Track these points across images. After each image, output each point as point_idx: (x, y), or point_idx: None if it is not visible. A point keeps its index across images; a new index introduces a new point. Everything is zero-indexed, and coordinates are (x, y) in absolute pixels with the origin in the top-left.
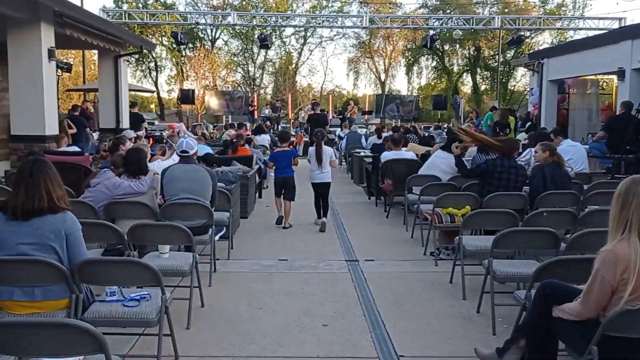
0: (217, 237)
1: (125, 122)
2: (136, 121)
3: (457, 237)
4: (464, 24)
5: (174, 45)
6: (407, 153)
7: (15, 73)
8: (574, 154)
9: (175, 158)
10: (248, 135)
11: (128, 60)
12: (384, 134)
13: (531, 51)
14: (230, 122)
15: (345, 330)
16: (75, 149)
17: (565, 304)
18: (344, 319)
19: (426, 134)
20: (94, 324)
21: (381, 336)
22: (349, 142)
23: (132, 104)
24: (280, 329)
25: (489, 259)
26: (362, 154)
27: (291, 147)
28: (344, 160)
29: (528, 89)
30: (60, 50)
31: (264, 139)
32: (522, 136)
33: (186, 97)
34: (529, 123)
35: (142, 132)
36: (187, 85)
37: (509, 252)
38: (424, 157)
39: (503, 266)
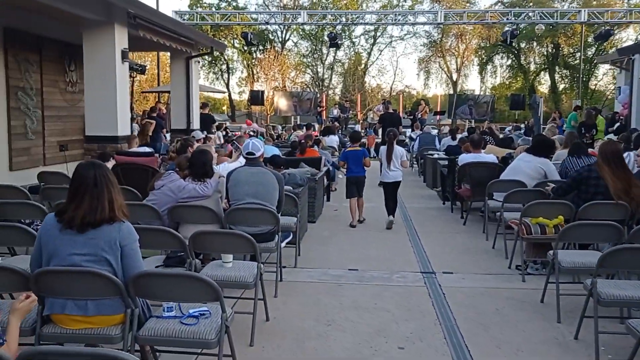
0: (283, 244)
1: (195, 123)
2: (206, 122)
3: (551, 252)
4: (547, 18)
5: (245, 48)
6: (487, 156)
7: (90, 74)
8: None
9: (242, 160)
10: (316, 136)
11: (199, 62)
12: (459, 136)
13: (615, 47)
14: (298, 123)
15: (424, 356)
16: (146, 149)
17: None
18: (422, 341)
19: (501, 136)
20: (150, 342)
21: None
22: (422, 143)
23: (203, 105)
24: (352, 350)
25: (593, 280)
26: (435, 156)
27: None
28: (415, 163)
29: (614, 88)
30: (134, 52)
31: (333, 140)
32: (611, 137)
33: (256, 98)
34: (618, 124)
35: (215, 134)
36: (257, 87)
37: (611, 270)
38: (505, 160)
39: (609, 288)
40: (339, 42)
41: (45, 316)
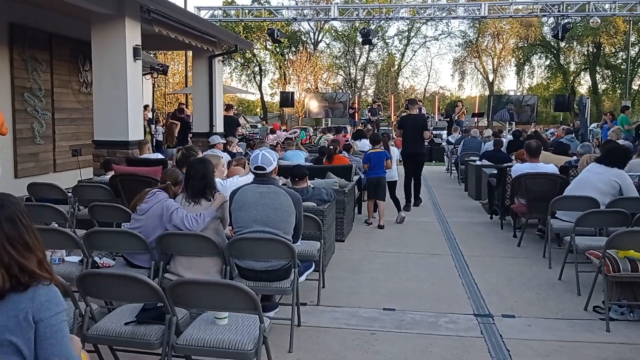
0: (302, 278)
1: (219, 126)
2: (231, 125)
3: None
4: (601, 11)
5: (277, 49)
6: (547, 166)
7: (99, 73)
8: None
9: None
10: (347, 141)
11: (224, 61)
12: (504, 140)
13: None
14: (329, 125)
15: None
16: (159, 156)
17: None
18: None
19: (550, 139)
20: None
21: None
22: (465, 148)
23: (228, 107)
24: None
25: None
26: (477, 162)
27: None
28: (454, 169)
29: None
30: (156, 51)
31: (365, 144)
32: None
33: (286, 100)
34: None
35: (233, 138)
36: (289, 89)
37: None
38: (565, 170)
39: None
40: (372, 38)
41: None
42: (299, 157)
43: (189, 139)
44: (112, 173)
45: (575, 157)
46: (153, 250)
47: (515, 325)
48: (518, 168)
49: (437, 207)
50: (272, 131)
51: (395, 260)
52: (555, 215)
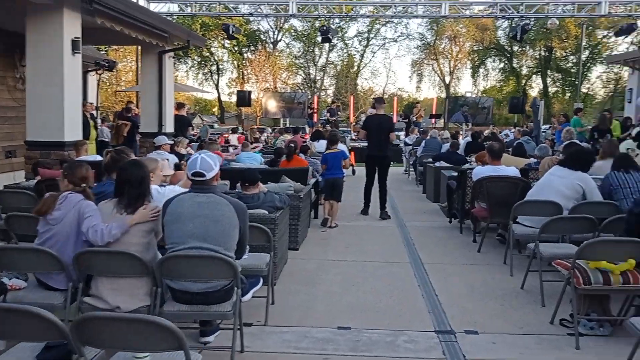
0: (248, 297)
1: (169, 126)
2: (182, 125)
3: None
4: (561, 12)
5: (235, 48)
6: (509, 169)
7: (33, 68)
8: None
9: None
10: (304, 142)
11: (174, 57)
12: (461, 141)
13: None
14: (287, 125)
15: None
16: (97, 158)
17: None
18: None
19: (506, 141)
20: None
21: None
22: (427, 149)
23: (179, 106)
24: None
25: None
26: (435, 164)
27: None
28: (412, 170)
29: (627, 90)
30: (104, 46)
31: (323, 145)
32: (628, 144)
33: (242, 99)
34: (638, 129)
35: (183, 138)
36: (247, 88)
37: None
38: (525, 173)
39: None
40: (332, 37)
41: None
42: (253, 160)
43: (137, 139)
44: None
45: (534, 160)
46: (70, 269)
47: (479, 342)
48: (479, 171)
49: (396, 210)
50: (234, 130)
51: (353, 270)
52: (517, 220)
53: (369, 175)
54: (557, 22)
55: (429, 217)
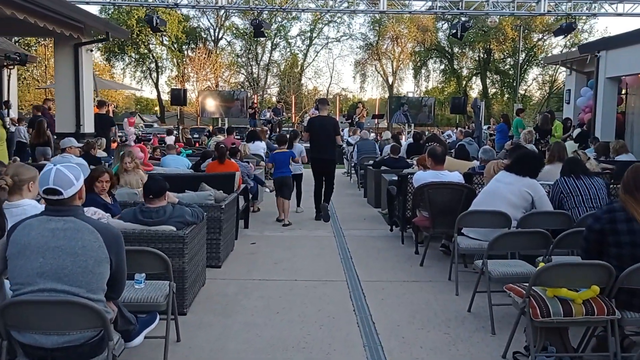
0: (138, 340)
1: (88, 126)
2: (103, 125)
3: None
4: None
5: (175, 45)
6: (452, 174)
7: None
8: None
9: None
10: (233, 144)
11: (92, 50)
12: (403, 142)
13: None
14: (225, 126)
15: None
16: None
17: None
18: None
19: (449, 142)
20: None
21: None
22: (361, 151)
23: (100, 104)
24: None
25: None
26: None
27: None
28: (354, 172)
29: (565, 90)
30: (14, 37)
31: (259, 146)
32: (570, 145)
33: (177, 97)
34: (578, 130)
35: (101, 139)
36: (188, 87)
37: None
38: (469, 177)
39: None
40: (265, 30)
41: None
42: (179, 163)
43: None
44: None
45: (477, 163)
46: None
47: None
48: (420, 177)
49: (335, 216)
50: (169, 132)
51: (280, 291)
52: (462, 232)
53: (317, 179)
54: (497, 20)
55: (369, 224)
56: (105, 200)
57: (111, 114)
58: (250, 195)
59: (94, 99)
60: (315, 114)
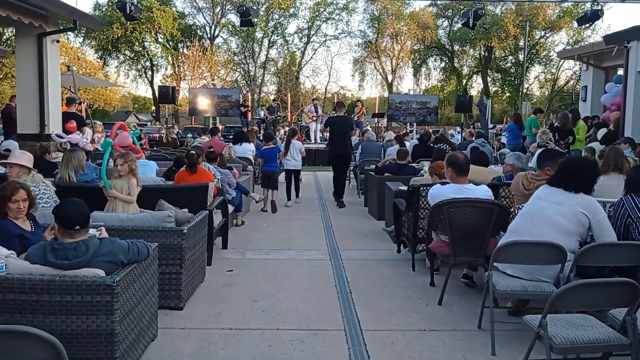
0: None
1: (54, 126)
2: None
3: None
4: None
5: (170, 43)
6: (479, 189)
7: None
8: None
9: None
10: (211, 147)
11: (58, 41)
12: (407, 144)
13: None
14: (216, 125)
15: None
16: None
17: None
18: None
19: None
20: None
21: None
22: (364, 153)
23: (69, 101)
24: None
25: None
26: (380, 174)
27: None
28: (354, 179)
29: (581, 87)
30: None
31: (247, 149)
32: (596, 146)
33: (165, 95)
34: (604, 130)
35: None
36: (183, 85)
37: None
38: (495, 189)
39: None
40: (253, 18)
41: None
42: (148, 170)
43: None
44: None
45: (501, 170)
46: None
47: None
48: (439, 192)
49: (331, 232)
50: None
51: (255, 350)
52: (495, 265)
53: (336, 171)
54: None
55: (371, 242)
56: (21, 228)
57: (83, 113)
58: (232, 208)
59: (63, 96)
60: (312, 112)
